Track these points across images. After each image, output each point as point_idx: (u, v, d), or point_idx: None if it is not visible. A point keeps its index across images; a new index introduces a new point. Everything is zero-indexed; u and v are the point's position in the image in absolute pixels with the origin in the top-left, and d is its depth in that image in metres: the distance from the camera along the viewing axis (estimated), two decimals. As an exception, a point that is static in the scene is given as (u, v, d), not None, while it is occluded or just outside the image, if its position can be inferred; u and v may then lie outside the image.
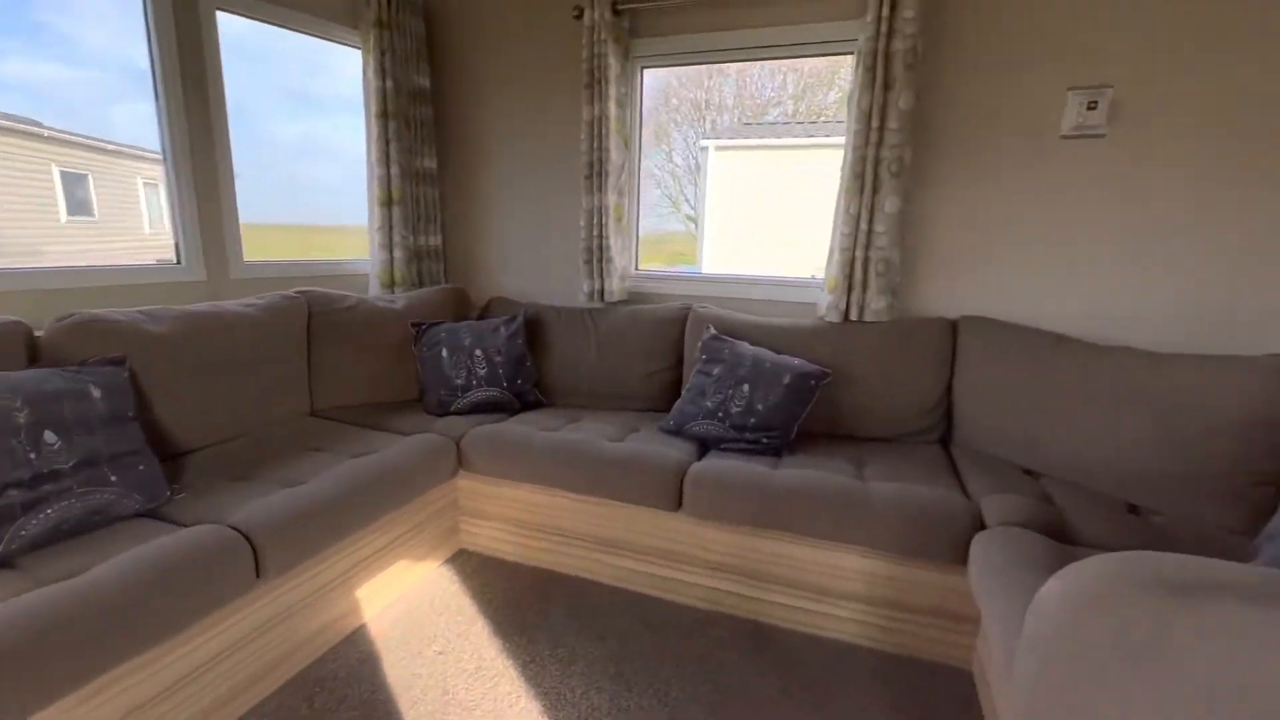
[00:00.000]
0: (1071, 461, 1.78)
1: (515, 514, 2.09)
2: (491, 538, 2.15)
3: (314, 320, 2.20)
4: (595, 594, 1.95)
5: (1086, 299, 2.03)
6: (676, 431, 2.10)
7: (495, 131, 2.75)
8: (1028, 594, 1.19)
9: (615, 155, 2.36)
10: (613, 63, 2.26)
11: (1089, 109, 1.91)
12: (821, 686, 1.58)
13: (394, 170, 2.47)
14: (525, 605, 1.89)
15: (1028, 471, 1.86)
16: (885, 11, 1.90)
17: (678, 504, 1.83)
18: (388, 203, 2.50)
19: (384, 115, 2.43)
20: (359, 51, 2.49)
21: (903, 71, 1.92)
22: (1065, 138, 1.97)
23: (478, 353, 2.29)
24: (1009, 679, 1.12)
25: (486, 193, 2.83)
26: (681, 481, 1.82)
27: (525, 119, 2.68)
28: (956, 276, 2.17)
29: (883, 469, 1.83)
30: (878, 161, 2.01)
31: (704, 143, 6.79)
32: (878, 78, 1.93)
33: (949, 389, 2.07)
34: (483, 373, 2.28)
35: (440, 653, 1.67)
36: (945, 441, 2.11)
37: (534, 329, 2.50)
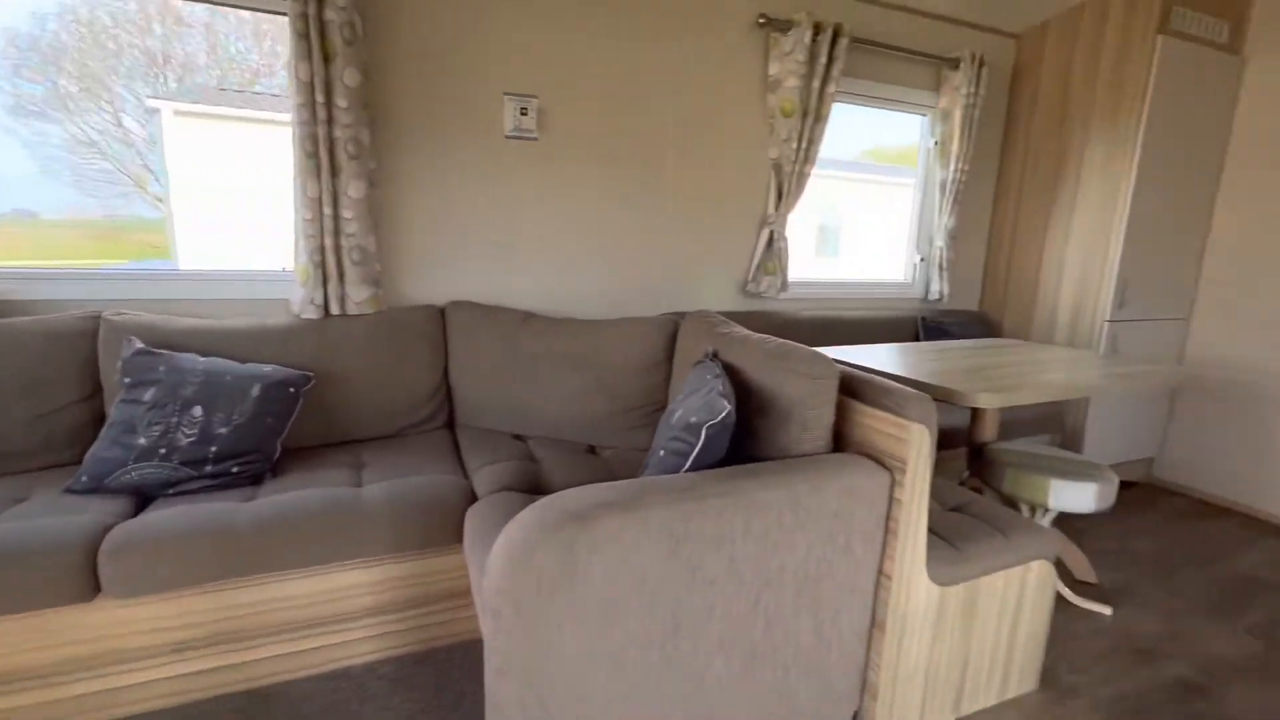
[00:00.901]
0: (547, 420, 2.05)
1: None
2: None
3: None
4: (-39, 770, 1.26)
5: (541, 279, 2.37)
6: (95, 489, 1.52)
7: None
8: (497, 555, 1.28)
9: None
10: None
11: (522, 114, 2.19)
12: (333, 729, 1.40)
13: None
14: None
15: (517, 437, 2.07)
16: (310, -26, 1.73)
17: (95, 588, 1.32)
18: None
19: None
20: None
21: (343, 46, 1.80)
22: (509, 137, 2.21)
23: None
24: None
25: None
26: (95, 557, 1.32)
27: None
28: (439, 263, 2.22)
29: (384, 468, 1.74)
30: (332, 141, 1.84)
31: (154, 103, 5.29)
32: (314, 47, 1.75)
33: (446, 373, 2.12)
34: None
35: None
36: (452, 424, 2.16)
37: None
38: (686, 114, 2.46)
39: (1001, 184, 3.18)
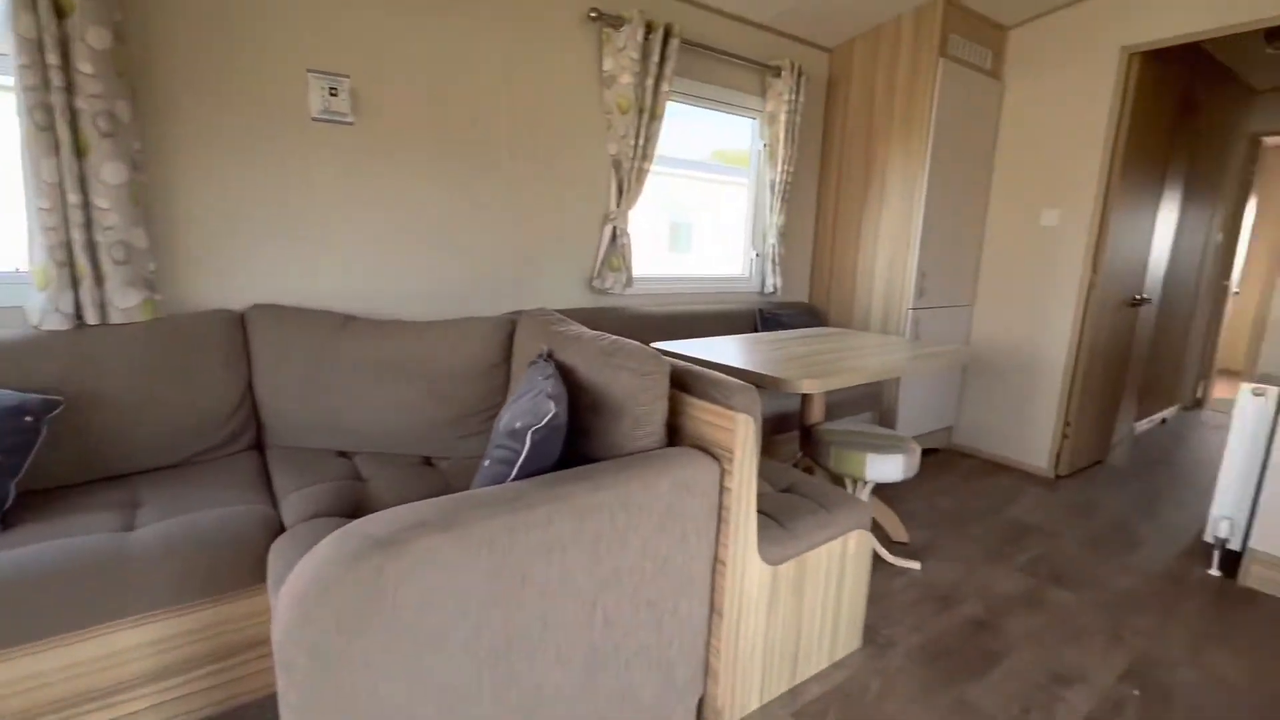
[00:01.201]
0: (376, 434, 1.88)
1: None
2: None
3: None
4: None
5: (362, 278, 2.16)
6: None
7: None
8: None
9: None
10: None
11: (332, 94, 1.97)
12: (98, 828, 1.16)
13: None
14: None
15: (343, 454, 1.87)
16: (30, -95, 1.40)
17: None
18: None
19: None
20: None
21: (82, -2, 1.48)
22: (316, 120, 1.98)
23: None
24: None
25: None
26: None
27: None
28: (236, 262, 1.93)
29: (165, 504, 1.47)
30: (74, 113, 1.51)
31: None
32: (39, -5, 1.43)
33: (250, 387, 1.86)
34: None
35: None
36: (261, 445, 1.90)
37: None
38: (522, 104, 2.38)
39: (823, 185, 3.47)
